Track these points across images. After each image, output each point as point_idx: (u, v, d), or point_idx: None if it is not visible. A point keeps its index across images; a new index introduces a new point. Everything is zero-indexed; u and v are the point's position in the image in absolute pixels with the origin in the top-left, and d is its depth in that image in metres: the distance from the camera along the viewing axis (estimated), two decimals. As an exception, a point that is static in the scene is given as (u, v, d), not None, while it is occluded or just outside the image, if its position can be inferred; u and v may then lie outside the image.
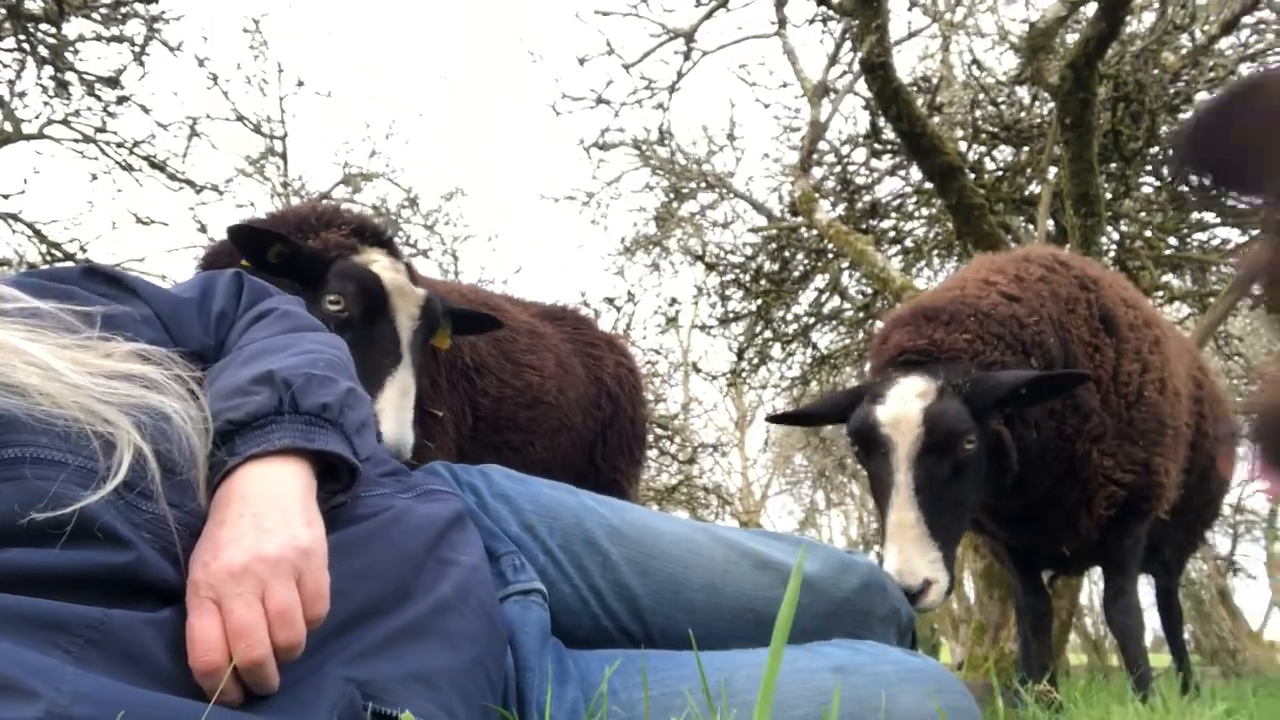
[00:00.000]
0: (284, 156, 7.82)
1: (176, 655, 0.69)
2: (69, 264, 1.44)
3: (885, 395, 1.96)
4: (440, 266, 8.45)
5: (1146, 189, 6.16)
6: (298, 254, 1.80)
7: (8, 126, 5.92)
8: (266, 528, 0.75)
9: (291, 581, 0.73)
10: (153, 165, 6.29)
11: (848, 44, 6.09)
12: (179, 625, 0.70)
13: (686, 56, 6.34)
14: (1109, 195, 5.42)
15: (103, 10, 5.64)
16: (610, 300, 7.80)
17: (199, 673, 0.68)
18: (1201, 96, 5.58)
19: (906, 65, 7.24)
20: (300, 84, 7.42)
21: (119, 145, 6.18)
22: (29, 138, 6.00)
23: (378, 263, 1.86)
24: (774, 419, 2.41)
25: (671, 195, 7.94)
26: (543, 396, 2.43)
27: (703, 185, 7.77)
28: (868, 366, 2.29)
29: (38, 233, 5.96)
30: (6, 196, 5.85)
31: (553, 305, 2.93)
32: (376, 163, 8.32)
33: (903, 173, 6.73)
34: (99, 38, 5.72)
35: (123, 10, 5.68)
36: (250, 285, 1.10)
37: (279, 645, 0.71)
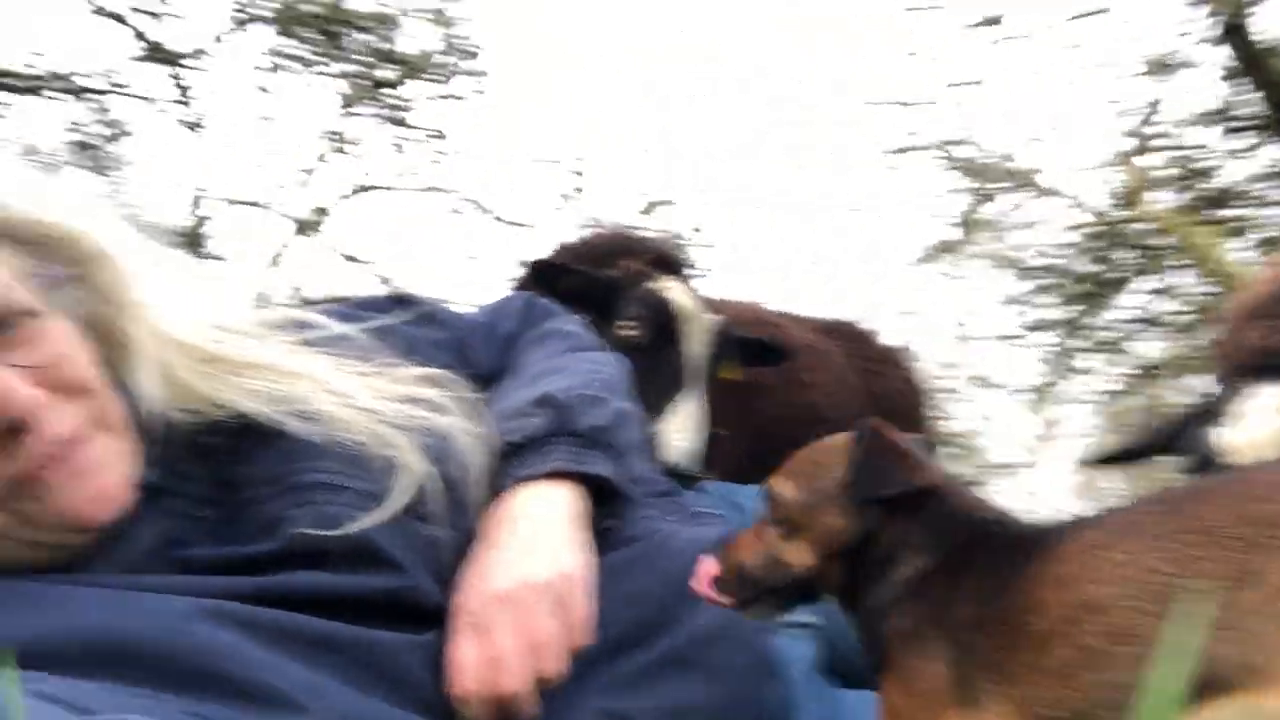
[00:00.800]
0: (585, 190, 8.43)
1: (438, 678, 0.71)
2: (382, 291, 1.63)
3: (1231, 413, 1.61)
4: (721, 285, 8.61)
5: None
6: (594, 283, 1.91)
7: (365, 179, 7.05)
8: (534, 553, 0.76)
9: (556, 610, 0.73)
10: (478, 209, 7.13)
11: (1198, 8, 5.27)
12: (442, 649, 0.72)
13: (998, 43, 5.93)
14: None
15: (435, 73, 6.50)
16: (898, 312, 7.49)
17: (456, 699, 0.70)
18: None
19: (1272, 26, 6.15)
20: (600, 120, 7.96)
21: (449, 192, 7.08)
22: (376, 189, 7.09)
23: (672, 290, 1.91)
24: (1092, 462, 2.10)
25: (977, 198, 7.44)
26: (821, 414, 2.35)
27: (1010, 185, 7.19)
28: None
29: (381, 277, 6.98)
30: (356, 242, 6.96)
31: (832, 320, 2.84)
32: (668, 191, 8.67)
33: (1255, 153, 5.77)
34: (431, 98, 6.59)
35: (450, 70, 6.51)
36: (536, 307, 1.15)
37: (538, 676, 0.71)
